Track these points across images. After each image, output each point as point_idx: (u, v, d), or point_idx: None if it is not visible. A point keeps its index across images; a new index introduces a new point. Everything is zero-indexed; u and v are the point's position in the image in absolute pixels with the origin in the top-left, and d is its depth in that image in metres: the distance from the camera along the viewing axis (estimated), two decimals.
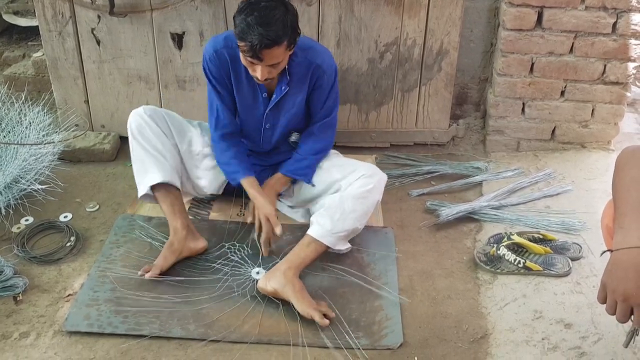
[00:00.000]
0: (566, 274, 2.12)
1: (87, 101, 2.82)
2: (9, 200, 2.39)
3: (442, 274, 2.18)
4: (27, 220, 2.39)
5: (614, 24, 2.53)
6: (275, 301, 2.00)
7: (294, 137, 2.36)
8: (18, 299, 2.03)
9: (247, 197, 2.46)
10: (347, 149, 2.71)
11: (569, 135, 2.81)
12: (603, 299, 1.40)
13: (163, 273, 2.08)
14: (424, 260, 2.24)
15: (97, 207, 2.49)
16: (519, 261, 2.13)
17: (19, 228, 2.34)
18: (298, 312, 1.94)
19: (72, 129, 2.70)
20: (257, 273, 2.11)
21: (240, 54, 2.00)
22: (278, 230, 2.14)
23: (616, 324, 1.81)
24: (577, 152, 2.82)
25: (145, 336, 1.89)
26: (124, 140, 2.75)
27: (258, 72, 1.99)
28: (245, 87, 2.21)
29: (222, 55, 2.14)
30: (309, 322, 1.93)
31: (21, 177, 2.43)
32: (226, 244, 2.25)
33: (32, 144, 2.50)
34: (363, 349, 1.86)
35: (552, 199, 2.53)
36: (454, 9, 2.61)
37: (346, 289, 2.08)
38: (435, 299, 2.07)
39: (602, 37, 2.56)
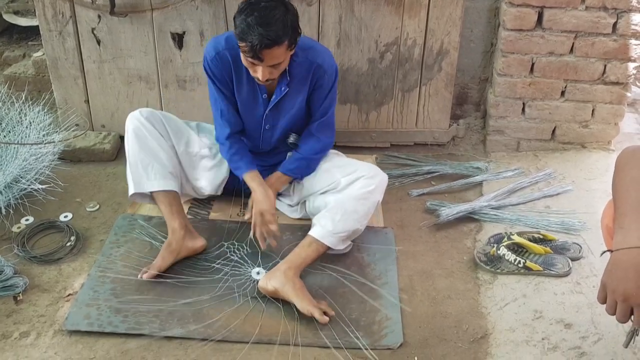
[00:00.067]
0: (566, 274, 2.12)
1: (87, 101, 2.82)
2: (10, 199, 2.40)
3: (442, 274, 2.18)
4: (27, 219, 2.39)
5: (614, 24, 2.53)
6: (275, 301, 2.00)
7: (292, 139, 2.36)
8: (18, 298, 2.03)
9: (247, 197, 2.47)
10: (348, 149, 2.71)
11: (569, 136, 2.82)
12: (603, 299, 1.40)
13: (162, 273, 2.08)
14: (424, 260, 2.25)
15: (98, 206, 2.49)
16: (519, 261, 2.13)
17: (19, 228, 2.34)
18: (298, 310, 1.94)
19: (72, 129, 2.70)
20: (257, 273, 2.11)
21: (241, 55, 2.00)
22: (273, 227, 2.15)
23: (616, 324, 1.81)
24: (577, 152, 2.82)
25: (145, 336, 1.89)
26: (124, 140, 2.75)
27: (259, 73, 1.99)
28: (245, 87, 2.21)
29: (224, 56, 2.14)
30: (309, 322, 1.93)
31: (21, 177, 2.43)
32: (225, 244, 2.25)
33: (32, 144, 2.50)
34: (363, 349, 1.85)
35: (552, 199, 2.53)
36: (454, 9, 2.61)
37: (346, 288, 2.08)
38: (435, 299, 2.07)
39: (602, 37, 2.56)
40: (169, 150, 2.27)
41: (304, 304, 1.93)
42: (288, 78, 2.14)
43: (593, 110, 2.74)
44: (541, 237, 2.27)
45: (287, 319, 1.95)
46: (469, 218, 2.43)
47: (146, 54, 2.69)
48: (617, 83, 2.66)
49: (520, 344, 1.88)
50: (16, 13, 3.48)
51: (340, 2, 2.59)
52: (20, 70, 3.20)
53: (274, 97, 2.20)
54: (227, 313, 1.97)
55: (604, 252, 1.50)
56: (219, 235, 2.30)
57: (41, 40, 2.73)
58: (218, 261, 2.17)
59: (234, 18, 1.96)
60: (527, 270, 2.13)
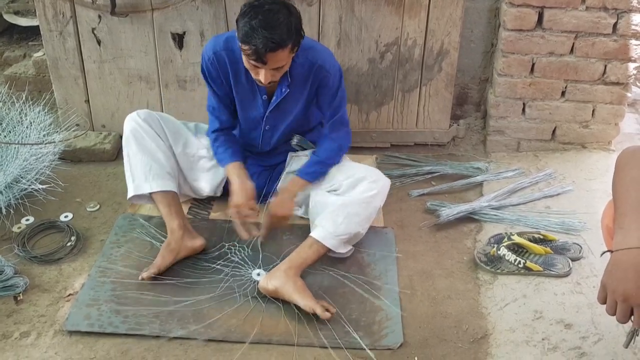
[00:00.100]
0: (566, 275, 2.12)
1: (87, 101, 2.82)
2: (10, 199, 2.40)
3: (442, 274, 2.18)
4: (27, 220, 2.39)
5: (615, 25, 2.53)
6: (275, 301, 2.00)
7: (295, 141, 2.36)
8: (18, 298, 2.03)
9: None
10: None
11: (569, 136, 2.81)
12: (603, 300, 1.40)
13: (162, 273, 2.09)
14: (424, 260, 2.25)
15: (98, 206, 2.49)
16: (519, 261, 2.13)
17: (19, 228, 2.34)
18: (300, 307, 1.94)
19: (72, 129, 2.70)
20: (258, 275, 2.11)
21: (243, 57, 1.99)
22: (250, 220, 2.14)
23: (616, 325, 1.81)
24: (577, 153, 2.82)
25: (145, 336, 1.89)
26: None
27: (261, 76, 1.99)
28: (244, 88, 2.21)
29: (221, 57, 2.14)
30: (309, 322, 1.93)
31: (22, 177, 2.43)
32: (226, 244, 2.25)
33: (32, 144, 2.51)
34: (363, 349, 1.86)
35: (552, 199, 2.53)
36: (454, 10, 2.61)
37: (346, 289, 2.08)
38: (435, 299, 2.07)
39: (602, 38, 2.56)
40: (167, 151, 2.28)
41: (306, 301, 1.93)
42: (289, 79, 2.14)
43: (593, 111, 2.74)
44: (541, 237, 2.27)
45: (287, 318, 1.95)
46: (469, 218, 2.43)
47: (146, 54, 2.69)
48: (617, 83, 2.66)
49: (520, 344, 1.88)
50: (16, 13, 3.49)
51: (341, 2, 2.59)
52: (20, 70, 3.20)
53: (274, 98, 2.20)
54: (227, 313, 1.97)
55: (604, 252, 1.50)
56: (219, 236, 2.30)
57: (41, 41, 2.73)
58: (218, 262, 2.17)
59: (236, 21, 1.96)
60: (527, 271, 2.13)
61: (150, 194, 2.21)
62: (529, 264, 2.12)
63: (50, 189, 2.47)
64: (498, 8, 2.75)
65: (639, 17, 2.50)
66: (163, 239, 2.21)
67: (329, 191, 2.23)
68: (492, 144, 2.87)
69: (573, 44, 2.59)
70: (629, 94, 2.70)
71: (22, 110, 2.65)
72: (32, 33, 3.50)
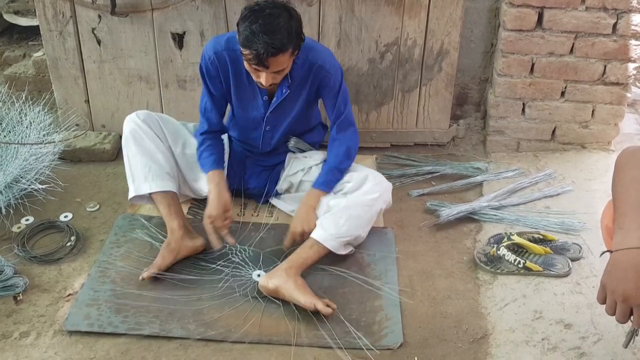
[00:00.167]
0: (566, 275, 2.12)
1: (87, 101, 2.82)
2: (10, 199, 2.40)
3: (442, 274, 2.18)
4: (27, 219, 2.39)
5: (614, 25, 2.53)
6: (275, 301, 2.00)
7: (292, 143, 2.36)
8: (18, 298, 2.03)
9: (247, 198, 2.47)
10: None
11: (569, 136, 2.82)
12: (603, 300, 1.40)
13: (162, 274, 2.08)
14: (424, 260, 2.25)
15: (98, 206, 2.49)
16: (519, 261, 2.13)
17: (19, 228, 2.34)
18: (300, 305, 1.94)
19: (72, 129, 2.70)
20: (258, 276, 2.11)
21: (244, 61, 1.99)
22: (223, 232, 2.15)
23: (616, 325, 1.81)
24: (577, 153, 2.82)
25: (145, 336, 1.89)
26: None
27: (262, 79, 1.99)
28: (245, 89, 2.21)
29: (222, 57, 2.14)
30: (309, 322, 1.93)
31: (22, 177, 2.43)
32: (227, 245, 2.25)
33: (32, 144, 2.51)
34: (366, 349, 1.86)
35: (552, 200, 2.53)
36: (454, 10, 2.61)
37: (346, 289, 2.08)
38: (435, 299, 2.07)
39: (602, 38, 2.56)
40: (166, 151, 2.28)
41: (307, 298, 1.93)
42: (289, 80, 2.14)
43: (593, 111, 2.74)
44: (541, 237, 2.27)
45: (287, 318, 1.95)
46: (469, 218, 2.43)
47: (146, 54, 2.69)
48: (617, 83, 2.66)
49: (520, 344, 1.88)
50: (16, 13, 3.49)
51: (341, 3, 2.59)
52: (20, 70, 3.20)
53: (275, 99, 2.20)
54: (227, 313, 1.97)
55: (604, 252, 1.50)
56: (219, 236, 2.29)
57: (41, 40, 2.73)
58: (219, 262, 2.17)
59: (237, 24, 1.96)
60: (527, 271, 2.13)
61: (150, 194, 2.22)
62: (528, 264, 2.12)
63: (50, 189, 2.47)
64: (498, 8, 2.75)
65: (638, 18, 2.50)
66: (163, 239, 2.21)
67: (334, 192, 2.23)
68: (492, 144, 2.87)
69: (573, 44, 2.59)
70: (628, 94, 2.70)
71: (22, 110, 2.65)
72: (32, 33, 3.50)
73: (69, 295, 2.05)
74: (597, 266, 2.13)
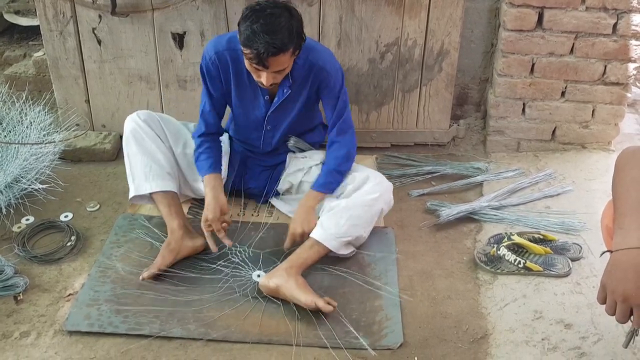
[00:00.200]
0: (566, 275, 2.12)
1: (87, 101, 2.82)
2: (10, 199, 2.40)
3: (442, 274, 2.18)
4: (27, 219, 2.39)
5: (615, 25, 2.53)
6: (275, 301, 2.01)
7: (292, 142, 2.36)
8: (18, 298, 2.03)
9: (247, 197, 2.47)
10: None
11: (569, 136, 2.82)
12: (603, 300, 1.40)
13: (162, 274, 2.09)
14: (424, 260, 2.25)
15: (98, 206, 2.49)
16: (519, 261, 2.13)
17: (19, 227, 2.35)
18: (301, 305, 1.94)
19: (72, 129, 2.70)
20: (258, 276, 2.11)
21: (245, 60, 2.00)
22: (220, 235, 2.15)
23: (616, 325, 1.81)
24: (577, 153, 2.82)
25: (145, 336, 1.89)
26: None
27: (263, 78, 1.99)
28: (246, 89, 2.21)
29: (223, 57, 2.14)
30: (309, 322, 1.93)
31: (22, 177, 2.43)
32: (225, 247, 2.24)
33: (33, 144, 2.51)
34: (363, 349, 1.86)
35: (552, 200, 2.53)
36: (454, 10, 2.61)
37: (346, 289, 2.08)
38: (435, 299, 2.07)
39: (602, 38, 2.56)
40: (167, 151, 2.28)
41: (308, 296, 1.93)
42: (290, 80, 2.14)
43: (593, 111, 2.74)
44: (541, 237, 2.27)
45: (287, 318, 1.95)
46: (469, 218, 2.43)
47: (147, 54, 2.70)
48: (617, 84, 2.66)
49: (520, 344, 1.88)
50: (17, 13, 3.49)
51: (341, 3, 2.59)
52: (20, 70, 3.20)
53: (276, 99, 2.20)
54: (227, 313, 1.97)
55: (604, 252, 1.50)
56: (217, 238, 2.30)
57: (42, 40, 2.73)
58: (219, 263, 2.17)
59: (238, 24, 1.96)
60: (527, 271, 2.13)
61: (151, 194, 2.22)
62: (528, 264, 2.12)
63: (50, 188, 2.47)
64: (498, 8, 2.75)
65: (639, 18, 2.50)
66: (163, 239, 2.21)
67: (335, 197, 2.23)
68: (492, 144, 2.88)
69: (573, 44, 2.59)
70: (628, 95, 2.70)
71: (22, 110, 2.65)
72: (33, 33, 3.50)
73: (69, 295, 2.05)
74: (597, 266, 2.13)
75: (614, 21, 2.52)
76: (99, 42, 2.68)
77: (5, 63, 3.41)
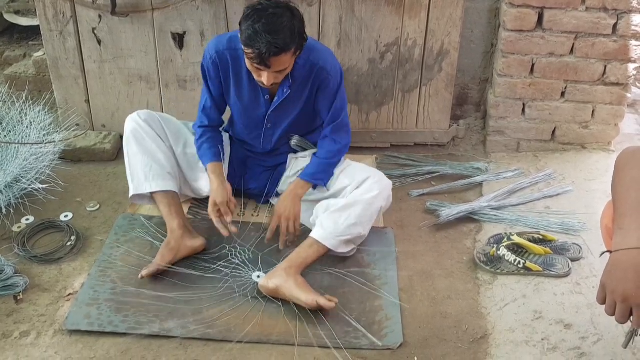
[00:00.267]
0: (566, 275, 2.12)
1: (87, 101, 2.82)
2: (10, 199, 2.40)
3: (442, 274, 2.18)
4: (27, 219, 2.39)
5: (615, 25, 2.53)
6: (275, 301, 2.01)
7: (294, 141, 2.36)
8: (18, 298, 2.03)
9: (247, 197, 2.47)
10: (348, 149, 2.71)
11: (569, 136, 2.82)
12: (602, 300, 1.40)
13: (162, 273, 2.09)
14: (424, 260, 2.25)
15: (98, 206, 2.49)
16: (519, 262, 2.13)
17: (19, 227, 2.35)
18: (301, 304, 1.94)
19: (72, 129, 2.70)
20: (258, 277, 2.11)
21: (246, 60, 2.00)
22: (228, 219, 2.16)
23: (616, 325, 1.80)
24: (577, 153, 2.82)
25: (145, 335, 1.89)
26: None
27: (264, 78, 1.99)
28: (246, 88, 2.21)
29: (223, 56, 2.14)
30: (309, 322, 1.93)
31: (22, 177, 2.43)
32: (227, 246, 2.24)
33: (33, 144, 2.51)
34: (363, 349, 1.86)
35: (552, 200, 2.53)
36: (454, 10, 2.61)
37: (346, 289, 2.08)
38: (435, 299, 2.07)
39: (602, 38, 2.56)
40: (167, 151, 2.29)
41: (308, 295, 1.93)
42: (290, 80, 2.14)
43: (593, 111, 2.74)
44: (541, 237, 2.27)
45: (287, 318, 1.95)
46: (469, 218, 2.43)
47: (147, 54, 2.70)
48: (617, 84, 2.66)
49: (520, 344, 1.88)
50: (17, 13, 3.49)
51: (341, 3, 2.59)
52: (20, 70, 3.20)
53: (276, 98, 2.20)
54: (228, 313, 1.97)
55: (604, 252, 1.50)
56: (219, 235, 2.28)
57: (42, 40, 2.73)
58: (219, 263, 2.17)
59: (239, 23, 1.96)
60: (527, 271, 2.13)
61: (151, 193, 2.22)
62: (528, 264, 2.12)
63: (50, 188, 2.47)
64: (498, 8, 2.75)
65: (639, 18, 2.51)
66: (163, 238, 2.21)
67: (334, 196, 2.23)
68: (492, 145, 2.88)
69: (573, 44, 2.59)
70: (628, 95, 2.70)
71: (22, 109, 2.65)
72: (33, 33, 3.50)
73: (69, 294, 2.05)
74: (597, 266, 2.13)
75: (614, 21, 2.52)
76: (99, 42, 2.68)
77: (5, 63, 3.41)
